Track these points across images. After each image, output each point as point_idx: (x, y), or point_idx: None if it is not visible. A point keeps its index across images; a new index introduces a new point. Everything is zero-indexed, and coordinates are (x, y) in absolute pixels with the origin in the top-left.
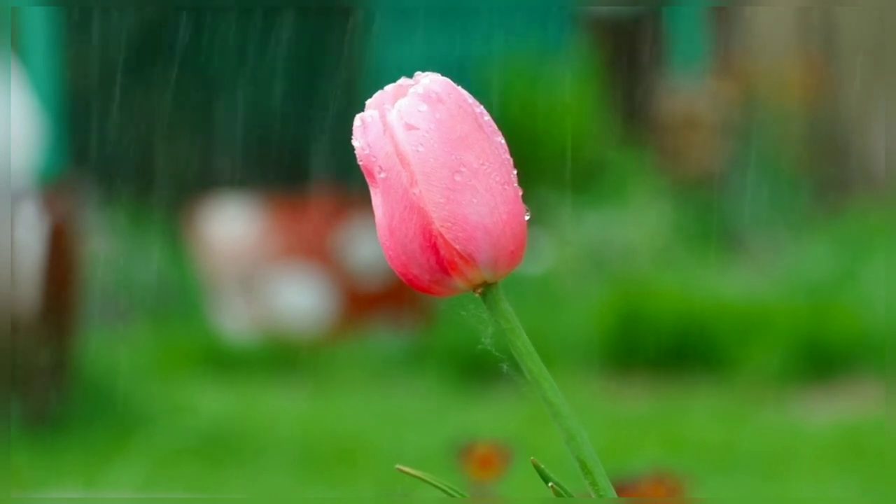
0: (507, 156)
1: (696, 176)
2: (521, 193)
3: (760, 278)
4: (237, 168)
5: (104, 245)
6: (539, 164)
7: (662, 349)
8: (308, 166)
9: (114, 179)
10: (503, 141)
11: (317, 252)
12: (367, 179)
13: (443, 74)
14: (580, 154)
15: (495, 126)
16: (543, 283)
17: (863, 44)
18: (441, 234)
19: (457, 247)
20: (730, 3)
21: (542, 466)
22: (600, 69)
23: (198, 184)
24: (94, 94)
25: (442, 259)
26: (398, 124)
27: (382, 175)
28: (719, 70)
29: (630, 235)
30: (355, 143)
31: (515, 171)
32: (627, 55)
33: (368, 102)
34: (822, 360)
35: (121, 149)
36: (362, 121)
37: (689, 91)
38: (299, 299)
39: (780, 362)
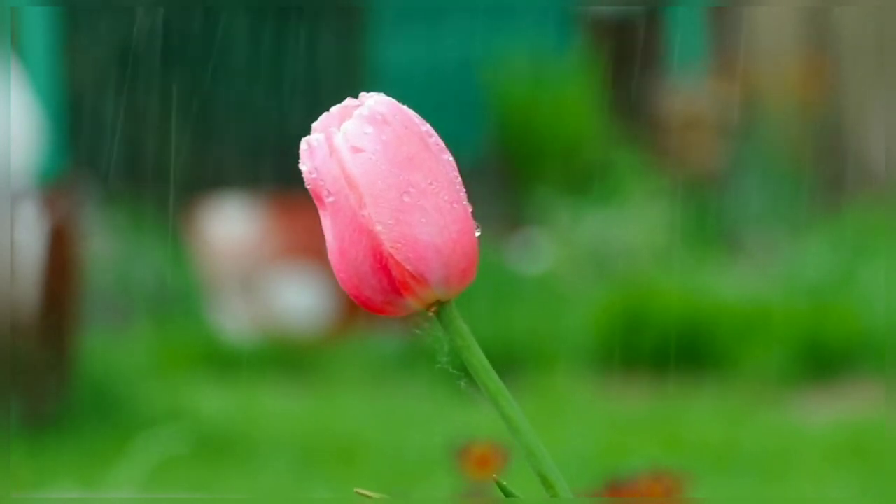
0: (456, 174)
1: (695, 176)
2: (471, 210)
3: (760, 278)
4: (237, 168)
5: (104, 245)
6: (539, 164)
7: (662, 349)
8: None
9: (114, 179)
10: (451, 159)
11: (317, 252)
12: (316, 203)
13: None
14: (580, 154)
15: (443, 144)
16: (543, 283)
17: (863, 44)
18: (392, 256)
19: (408, 267)
20: (730, 3)
21: (505, 484)
22: (600, 69)
23: (197, 184)
24: (95, 94)
25: (394, 280)
26: (344, 147)
27: (331, 199)
28: (719, 70)
29: (630, 235)
30: (302, 166)
31: (464, 190)
32: (627, 55)
33: (314, 125)
34: (822, 360)
35: (121, 149)
36: (308, 144)
37: (689, 91)
38: (299, 299)
39: (781, 362)
